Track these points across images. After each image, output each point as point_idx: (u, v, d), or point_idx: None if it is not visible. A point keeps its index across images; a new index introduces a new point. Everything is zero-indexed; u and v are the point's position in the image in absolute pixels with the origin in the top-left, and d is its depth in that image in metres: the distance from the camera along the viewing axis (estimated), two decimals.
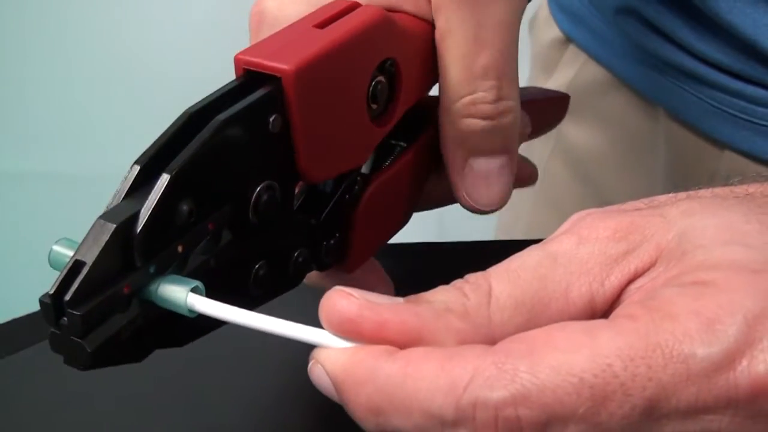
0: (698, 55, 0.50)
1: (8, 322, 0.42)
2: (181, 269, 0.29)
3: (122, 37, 1.34)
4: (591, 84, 0.59)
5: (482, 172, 0.37)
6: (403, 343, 0.25)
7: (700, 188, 0.29)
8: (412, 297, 0.27)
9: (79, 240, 0.26)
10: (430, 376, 0.24)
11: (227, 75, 0.31)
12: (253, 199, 0.30)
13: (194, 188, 0.28)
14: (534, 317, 0.26)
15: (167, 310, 0.27)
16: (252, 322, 0.27)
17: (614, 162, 0.60)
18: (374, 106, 0.34)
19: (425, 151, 0.39)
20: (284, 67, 0.30)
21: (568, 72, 0.61)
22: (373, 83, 0.33)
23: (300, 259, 0.34)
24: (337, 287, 0.26)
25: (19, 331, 0.41)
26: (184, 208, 0.27)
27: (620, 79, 0.57)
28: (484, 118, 0.35)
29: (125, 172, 0.28)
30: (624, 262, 0.26)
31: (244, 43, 0.33)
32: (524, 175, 0.44)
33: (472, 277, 0.27)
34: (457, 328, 0.26)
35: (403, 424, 0.24)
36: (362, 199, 0.36)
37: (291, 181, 0.32)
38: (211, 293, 0.28)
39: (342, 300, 0.26)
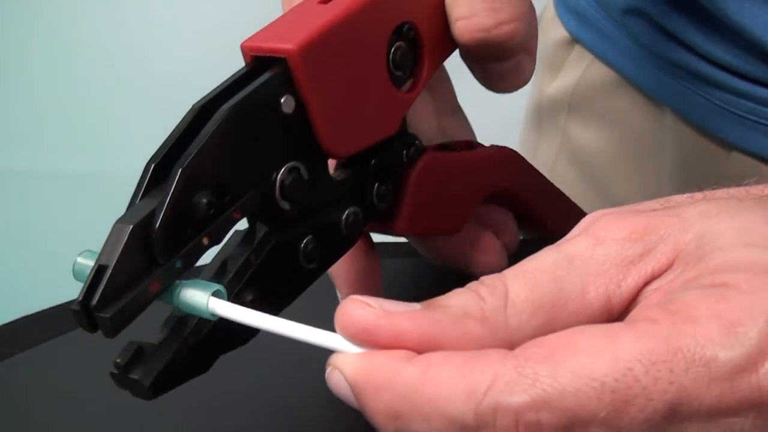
0: (706, 56, 0.50)
1: (16, 321, 0.42)
2: (221, 274, 0.29)
3: (129, 36, 1.34)
4: (597, 84, 0.59)
5: (497, 72, 0.36)
6: (421, 350, 0.25)
7: (715, 188, 0.29)
8: (428, 302, 0.27)
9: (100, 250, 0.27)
10: (450, 381, 0.24)
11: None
12: (278, 184, 0.30)
13: (209, 180, 0.28)
14: (551, 319, 0.26)
15: (220, 323, 0.28)
16: (272, 326, 0.27)
17: (621, 162, 0.60)
18: (398, 73, 0.34)
19: (483, 166, 0.39)
20: (288, 46, 0.30)
21: (574, 72, 0.61)
22: (392, 50, 0.33)
23: (351, 219, 0.34)
24: (353, 296, 0.26)
25: (26, 330, 0.41)
26: (202, 200, 0.27)
27: (627, 80, 0.57)
28: (485, 44, 0.34)
29: (138, 171, 0.28)
30: (641, 264, 0.26)
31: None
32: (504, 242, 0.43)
33: (488, 280, 0.27)
34: (475, 333, 0.26)
35: (422, 430, 0.24)
36: (419, 162, 0.36)
37: (318, 157, 0.32)
38: (263, 286, 0.29)
39: (358, 309, 0.26)
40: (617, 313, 0.26)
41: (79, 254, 0.28)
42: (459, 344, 0.25)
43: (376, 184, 0.34)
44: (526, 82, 0.37)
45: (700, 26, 0.49)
